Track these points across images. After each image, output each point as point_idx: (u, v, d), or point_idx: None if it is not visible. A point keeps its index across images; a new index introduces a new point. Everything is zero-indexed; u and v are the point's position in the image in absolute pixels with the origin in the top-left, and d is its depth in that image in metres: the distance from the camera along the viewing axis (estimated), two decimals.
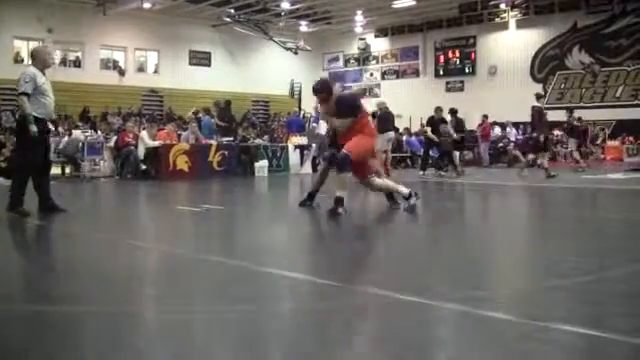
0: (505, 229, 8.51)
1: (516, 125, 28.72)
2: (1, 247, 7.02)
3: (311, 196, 9.72)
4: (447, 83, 36.24)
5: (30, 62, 8.94)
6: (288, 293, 4.64)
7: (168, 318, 3.90)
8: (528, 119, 19.45)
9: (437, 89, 35.86)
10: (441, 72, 36.66)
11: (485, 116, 27.29)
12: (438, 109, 20.38)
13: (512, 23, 34.10)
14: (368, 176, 9.32)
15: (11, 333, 3.58)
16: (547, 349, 3.27)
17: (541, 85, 32.70)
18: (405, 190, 9.36)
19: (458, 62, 36.01)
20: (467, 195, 14.69)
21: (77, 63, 33.44)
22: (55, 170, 18.62)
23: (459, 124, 21.00)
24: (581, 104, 31.29)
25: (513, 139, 27.70)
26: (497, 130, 28.77)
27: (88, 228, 8.26)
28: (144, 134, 18.27)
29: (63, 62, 32.98)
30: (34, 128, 8.27)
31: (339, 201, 8.76)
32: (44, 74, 8.71)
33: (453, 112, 21.08)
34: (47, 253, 6.64)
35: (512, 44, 33.92)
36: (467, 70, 35.64)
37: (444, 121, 20.20)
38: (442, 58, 36.64)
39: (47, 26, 30.99)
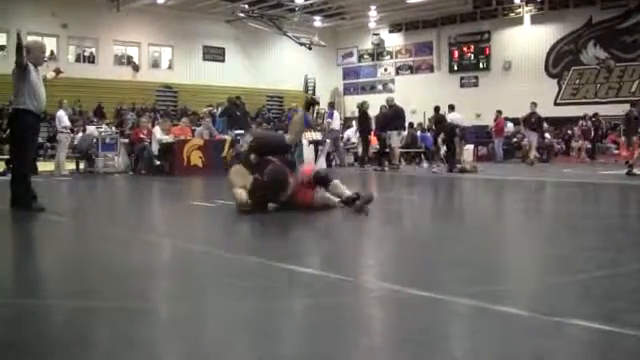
0: (518, 224, 8.49)
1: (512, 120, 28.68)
2: (15, 243, 7.06)
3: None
4: (461, 78, 36.14)
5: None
6: (302, 288, 4.60)
7: (181, 313, 3.89)
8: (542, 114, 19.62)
9: (451, 84, 35.75)
10: (455, 67, 36.55)
11: (499, 111, 27.21)
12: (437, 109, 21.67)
13: (527, 18, 33.95)
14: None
15: (24, 327, 3.56)
16: (562, 344, 3.24)
17: (556, 80, 32.60)
18: (348, 192, 9.05)
19: (472, 57, 35.90)
20: (480, 190, 14.64)
21: (91, 59, 33.56)
22: (69, 166, 18.75)
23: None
24: (596, 99, 31.16)
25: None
26: (511, 126, 28.65)
27: (102, 224, 8.28)
28: (157, 129, 18.32)
29: (77, 58, 33.13)
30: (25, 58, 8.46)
31: (356, 198, 8.68)
32: (37, 70, 8.77)
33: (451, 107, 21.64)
34: (60, 248, 6.62)
35: (527, 39, 33.78)
36: (481, 65, 35.52)
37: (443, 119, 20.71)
38: (456, 53, 36.54)
39: (61, 22, 31.14)
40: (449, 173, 18.45)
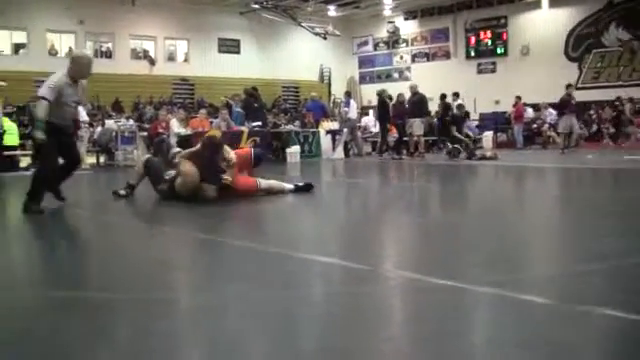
0: (541, 211, 8.38)
1: (551, 105, 28.33)
2: (45, 237, 7.10)
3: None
4: (479, 65, 35.84)
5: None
6: (322, 278, 4.63)
7: (202, 304, 3.90)
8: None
9: (468, 71, 35.50)
10: (472, 54, 36.23)
11: (518, 97, 26.96)
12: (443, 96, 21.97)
13: (545, 1, 33.50)
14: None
15: (48, 318, 3.60)
16: (588, 334, 3.19)
17: (576, 64, 32.24)
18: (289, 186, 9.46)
19: (489, 43, 35.58)
20: (500, 177, 14.54)
21: (108, 54, 33.65)
22: (90, 159, 18.88)
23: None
24: (619, 82, 30.76)
25: (549, 120, 27.28)
26: (530, 111, 28.39)
27: (124, 217, 8.35)
28: (174, 122, 18.32)
29: (95, 53, 33.23)
30: (41, 135, 7.89)
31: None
32: (76, 83, 8.26)
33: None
34: (84, 241, 6.74)
35: (545, 23, 33.40)
36: (499, 51, 35.16)
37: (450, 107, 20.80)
38: (473, 39, 36.20)
39: (78, 18, 31.29)
40: (468, 160, 18.32)
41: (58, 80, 8.04)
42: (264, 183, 9.28)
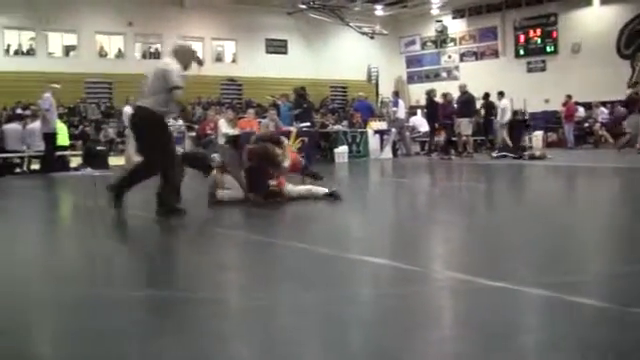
0: (591, 211, 8.26)
1: (603, 104, 27.87)
2: (97, 237, 7.13)
3: None
4: (528, 63, 35.46)
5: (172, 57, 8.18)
6: (371, 279, 4.63)
7: (253, 304, 3.92)
8: (615, 97, 18.92)
9: (518, 70, 35.15)
10: (521, 52, 35.85)
11: (569, 96, 26.59)
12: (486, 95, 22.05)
13: None
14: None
15: (113, 316, 3.66)
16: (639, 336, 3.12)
17: (628, 62, 31.70)
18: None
19: (539, 41, 35.17)
20: (550, 177, 14.36)
21: (157, 55, 33.95)
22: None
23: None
24: None
25: (600, 119, 26.86)
26: (581, 110, 28.00)
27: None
28: (222, 122, 18.41)
29: (144, 55, 33.64)
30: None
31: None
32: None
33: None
34: (143, 242, 6.85)
35: (596, 20, 32.89)
36: (549, 49, 34.75)
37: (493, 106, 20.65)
38: (522, 38, 35.84)
39: (127, 20, 31.70)
40: (516, 160, 18.15)
41: (177, 67, 8.02)
42: (294, 190, 9.08)
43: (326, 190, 9.03)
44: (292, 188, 9.07)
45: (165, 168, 7.84)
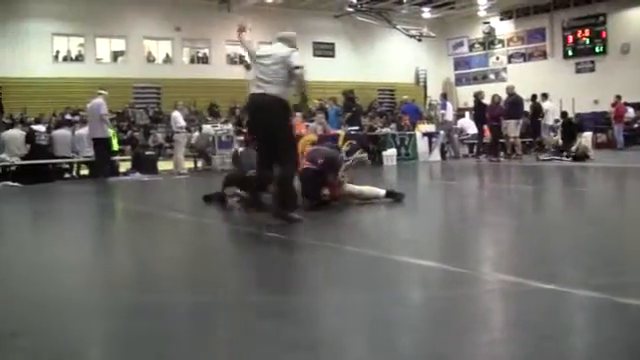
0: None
1: None
2: (137, 238, 7.28)
3: None
4: (577, 64, 35.08)
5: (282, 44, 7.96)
6: (420, 281, 4.63)
7: (300, 306, 3.97)
8: None
9: (566, 71, 34.79)
10: (570, 53, 35.47)
11: (618, 96, 26.32)
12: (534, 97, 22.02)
13: None
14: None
15: (165, 320, 3.69)
16: None
17: None
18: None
19: (588, 42, 34.79)
20: (598, 179, 14.29)
21: (204, 59, 34.31)
22: (188, 164, 19.32)
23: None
24: None
25: None
26: (630, 111, 27.67)
27: (230, 222, 8.52)
28: None
29: (191, 59, 33.99)
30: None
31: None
32: None
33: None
34: (189, 244, 6.85)
35: None
36: (597, 50, 34.34)
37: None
38: (570, 38, 35.48)
39: (175, 25, 32.03)
40: (563, 162, 18.06)
41: (297, 51, 7.78)
42: (350, 190, 8.95)
43: (384, 191, 8.97)
44: (352, 187, 8.96)
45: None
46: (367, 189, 9.00)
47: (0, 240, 7.37)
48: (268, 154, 7.55)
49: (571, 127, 20.28)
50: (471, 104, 24.87)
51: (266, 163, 7.58)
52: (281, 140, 7.44)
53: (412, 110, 23.77)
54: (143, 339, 3.39)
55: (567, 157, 18.54)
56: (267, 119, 7.45)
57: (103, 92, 16.90)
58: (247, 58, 8.52)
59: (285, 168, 7.42)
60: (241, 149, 11.45)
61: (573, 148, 18.98)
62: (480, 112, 21.55)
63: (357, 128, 20.18)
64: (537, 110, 21.55)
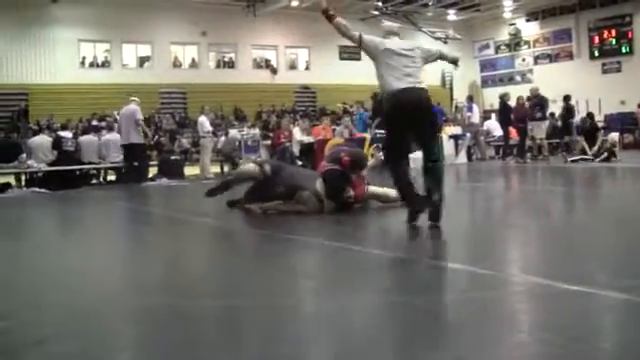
0: None
1: None
2: (163, 243, 7.27)
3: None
4: (603, 65, 34.91)
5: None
6: (448, 284, 4.66)
7: (325, 309, 3.98)
8: None
9: (593, 71, 34.63)
10: (596, 53, 35.32)
11: None
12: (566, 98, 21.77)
13: None
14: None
15: (193, 325, 3.75)
16: None
17: None
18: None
19: (614, 42, 34.59)
20: (626, 180, 14.23)
21: (230, 64, 34.50)
22: (214, 169, 19.42)
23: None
24: None
25: None
26: None
27: (246, 224, 8.53)
28: (296, 130, 18.72)
29: (218, 64, 34.19)
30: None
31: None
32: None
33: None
34: (218, 249, 6.90)
35: None
36: (624, 50, 34.16)
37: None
38: (597, 39, 35.30)
39: (201, 30, 32.23)
40: (590, 163, 18.00)
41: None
42: (373, 191, 8.96)
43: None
44: (376, 188, 8.95)
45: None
46: (392, 192, 8.67)
47: (32, 246, 7.44)
48: (407, 150, 7.72)
49: (591, 128, 20.18)
50: (497, 106, 24.84)
51: (406, 162, 7.68)
52: (432, 134, 7.62)
53: (437, 112, 23.70)
54: (174, 344, 3.40)
55: (591, 158, 18.47)
56: (425, 115, 7.60)
57: (135, 98, 16.93)
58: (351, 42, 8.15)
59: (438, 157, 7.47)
60: (270, 160, 11.25)
61: (595, 149, 18.92)
62: (505, 114, 21.49)
63: (384, 132, 20.17)
64: (569, 111, 21.46)
